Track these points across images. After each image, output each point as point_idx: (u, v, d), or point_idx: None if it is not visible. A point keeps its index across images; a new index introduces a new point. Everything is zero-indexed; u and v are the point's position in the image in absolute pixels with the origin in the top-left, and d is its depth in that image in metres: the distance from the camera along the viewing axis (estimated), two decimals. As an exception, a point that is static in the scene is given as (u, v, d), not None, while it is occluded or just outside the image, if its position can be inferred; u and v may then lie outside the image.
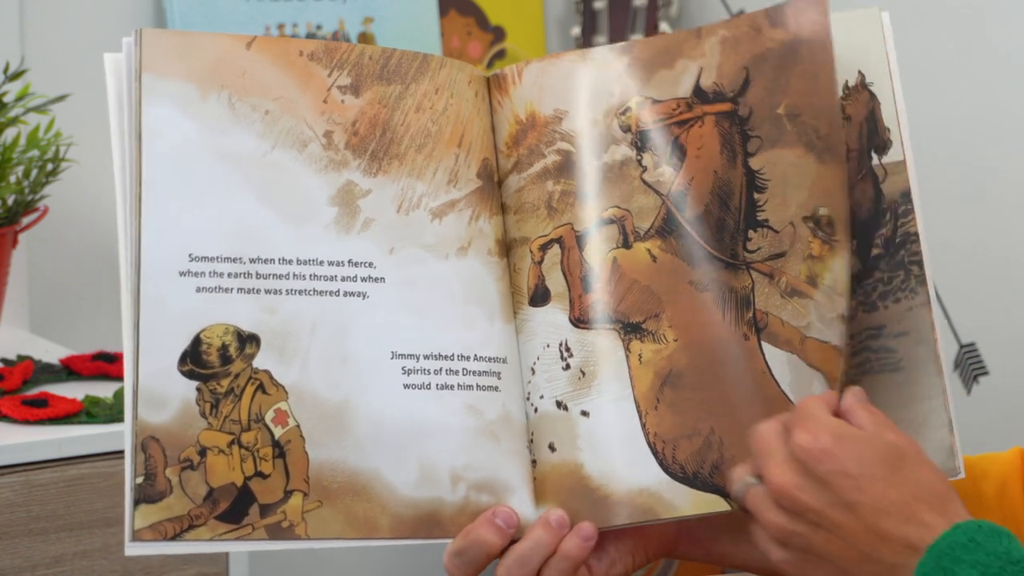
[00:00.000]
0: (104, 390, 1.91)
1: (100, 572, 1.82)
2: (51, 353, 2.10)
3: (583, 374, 1.13)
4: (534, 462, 1.14)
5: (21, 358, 2.03)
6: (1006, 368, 2.28)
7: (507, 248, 1.16)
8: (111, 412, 1.84)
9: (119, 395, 1.88)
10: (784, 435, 1.04)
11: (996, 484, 1.19)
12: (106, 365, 2.01)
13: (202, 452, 1.09)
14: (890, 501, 1.00)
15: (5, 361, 2.03)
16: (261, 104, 1.13)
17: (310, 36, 2.47)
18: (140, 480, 1.07)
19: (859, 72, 1.15)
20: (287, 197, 1.12)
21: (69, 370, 2.02)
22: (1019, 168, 2.23)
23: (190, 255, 1.10)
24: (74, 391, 1.92)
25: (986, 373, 2.29)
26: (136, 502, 1.07)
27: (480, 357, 1.14)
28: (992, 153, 2.26)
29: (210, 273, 1.10)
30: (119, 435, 1.76)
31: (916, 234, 1.14)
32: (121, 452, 1.22)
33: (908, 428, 1.11)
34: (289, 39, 1.81)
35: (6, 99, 2.05)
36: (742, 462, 1.07)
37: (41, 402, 1.85)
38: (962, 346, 2.31)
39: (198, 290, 1.10)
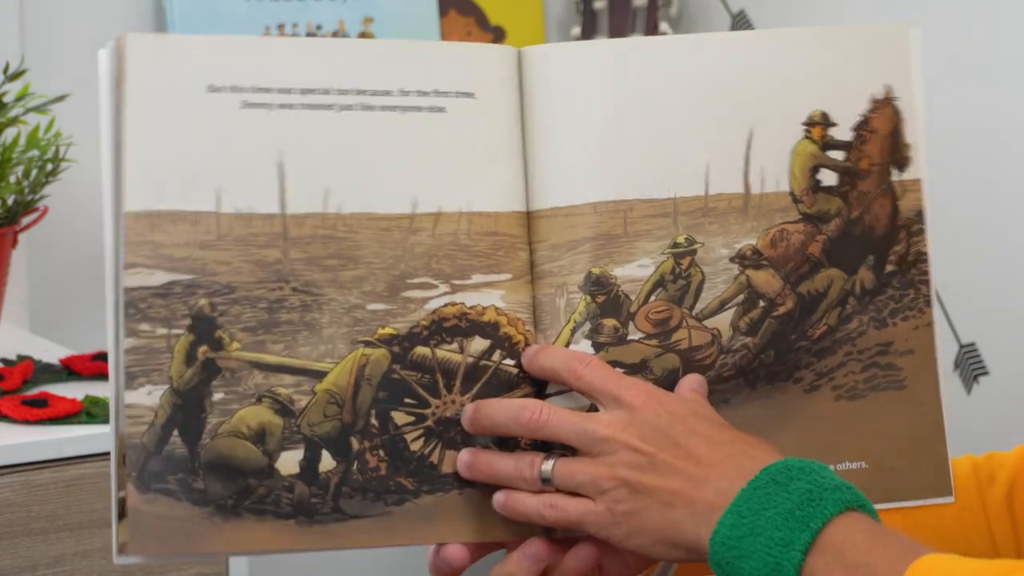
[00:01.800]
0: (104, 390, 1.91)
1: (100, 572, 1.82)
2: (51, 353, 2.10)
3: None
4: None
5: (21, 358, 2.03)
6: (1006, 368, 2.28)
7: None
8: (111, 412, 1.84)
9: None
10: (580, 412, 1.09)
11: (1004, 488, 1.20)
12: (106, 365, 2.01)
13: None
14: (722, 439, 1.06)
15: (5, 361, 2.03)
16: None
17: (310, 36, 2.47)
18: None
19: (886, 86, 1.16)
20: None
21: (69, 370, 2.02)
22: (1019, 168, 2.23)
23: None
24: (74, 391, 1.92)
25: (986, 373, 2.29)
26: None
27: None
28: (992, 153, 2.26)
29: None
30: (119, 435, 1.76)
31: (926, 254, 1.16)
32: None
33: (910, 444, 1.14)
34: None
35: (6, 99, 2.05)
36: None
37: (41, 402, 1.85)
38: (962, 346, 2.31)
39: None
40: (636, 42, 1.17)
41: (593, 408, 1.10)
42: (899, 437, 1.14)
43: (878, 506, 1.12)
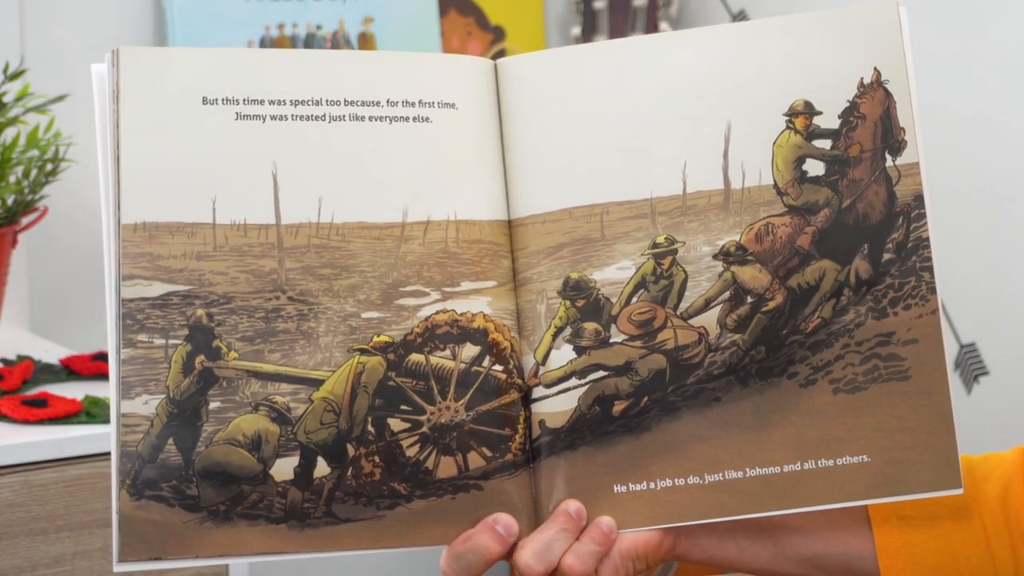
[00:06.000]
0: (104, 390, 1.91)
1: (100, 572, 1.82)
2: (51, 353, 2.10)
3: None
4: None
5: (21, 358, 2.03)
6: (1006, 368, 2.28)
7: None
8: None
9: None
10: None
11: (999, 487, 1.19)
12: (106, 365, 2.01)
13: None
14: None
15: (5, 361, 2.03)
16: None
17: (310, 36, 2.47)
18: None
19: (875, 69, 1.14)
20: None
21: (69, 370, 2.02)
22: (1018, 168, 2.23)
23: None
24: (74, 391, 1.92)
25: (986, 373, 2.29)
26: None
27: None
28: (992, 153, 2.25)
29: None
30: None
31: (927, 240, 1.14)
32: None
33: (916, 436, 1.12)
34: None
35: (6, 99, 2.05)
36: None
37: (41, 402, 1.85)
38: (962, 346, 2.31)
39: None
40: (605, 46, 1.16)
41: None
42: (904, 429, 1.13)
43: (882, 500, 1.12)
